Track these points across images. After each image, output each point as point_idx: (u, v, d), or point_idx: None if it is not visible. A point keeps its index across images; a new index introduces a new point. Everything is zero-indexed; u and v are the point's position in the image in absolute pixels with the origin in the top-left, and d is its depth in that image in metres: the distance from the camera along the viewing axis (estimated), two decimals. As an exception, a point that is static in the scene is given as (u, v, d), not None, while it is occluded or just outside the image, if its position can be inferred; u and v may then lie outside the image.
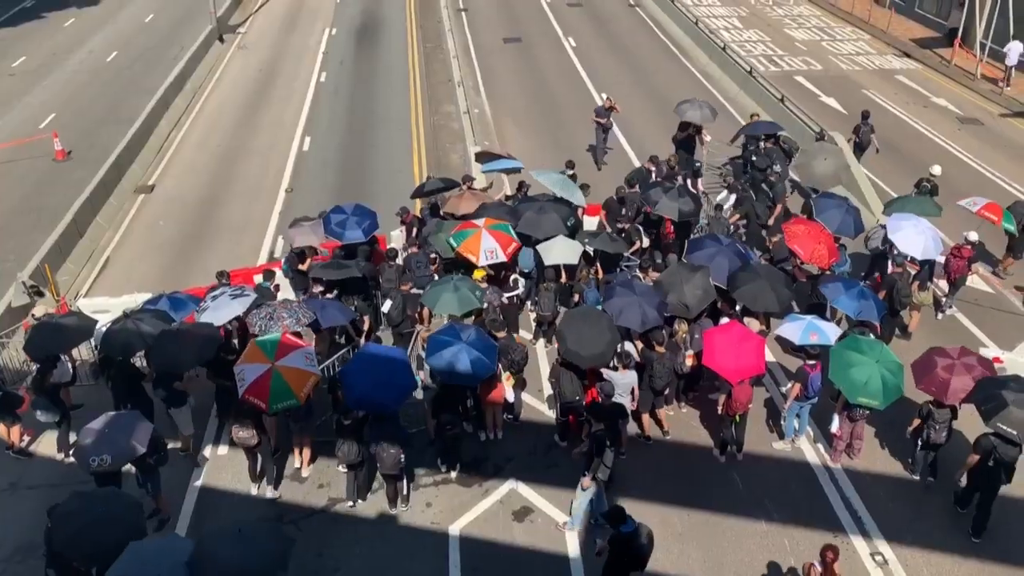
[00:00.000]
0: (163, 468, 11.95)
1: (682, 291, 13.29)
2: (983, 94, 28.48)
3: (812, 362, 12.71)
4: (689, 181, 18.84)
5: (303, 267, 15.59)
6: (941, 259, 16.01)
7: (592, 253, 15.59)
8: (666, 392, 13.41)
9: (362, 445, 11.97)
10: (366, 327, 14.61)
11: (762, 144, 19.69)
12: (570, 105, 27.68)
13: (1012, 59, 28.70)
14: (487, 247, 14.51)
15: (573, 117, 26.68)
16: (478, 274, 14.59)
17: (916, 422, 12.42)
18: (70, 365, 13.71)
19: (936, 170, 19.07)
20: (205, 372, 13.27)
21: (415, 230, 16.88)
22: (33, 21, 39.47)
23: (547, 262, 15.12)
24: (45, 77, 31.94)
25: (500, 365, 13.01)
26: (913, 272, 15.89)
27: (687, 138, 20.72)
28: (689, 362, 13.33)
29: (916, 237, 14.98)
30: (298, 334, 13.04)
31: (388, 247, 16.30)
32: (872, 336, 13.74)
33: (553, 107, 27.24)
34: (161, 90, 27.66)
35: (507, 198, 18.27)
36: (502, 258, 14.71)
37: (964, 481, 11.92)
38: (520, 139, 25.12)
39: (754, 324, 13.60)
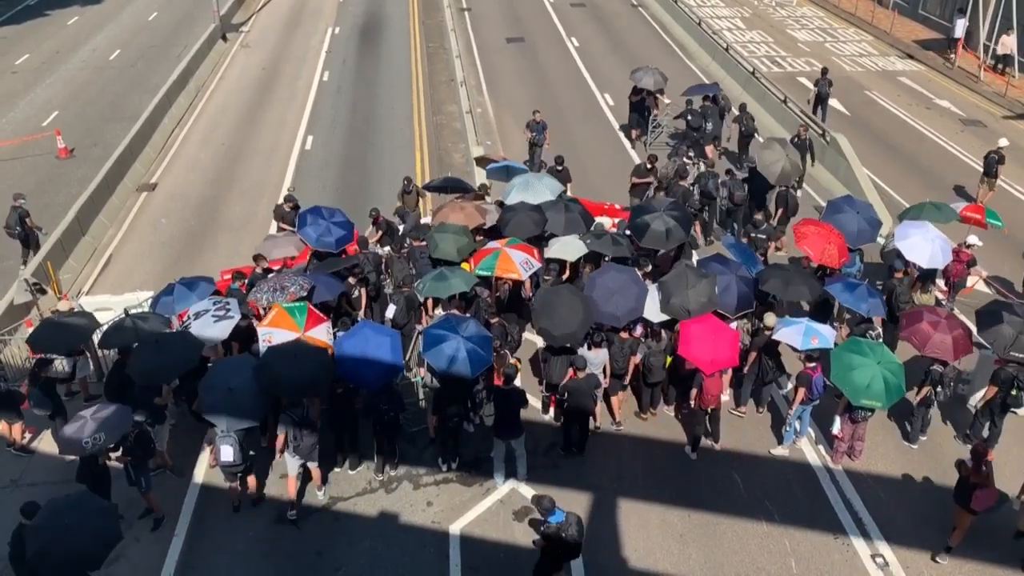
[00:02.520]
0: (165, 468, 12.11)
1: (686, 296, 13.27)
2: (986, 96, 28.46)
3: (813, 364, 12.71)
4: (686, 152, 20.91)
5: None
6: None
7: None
8: (625, 379, 13.49)
9: (351, 413, 12.67)
10: (363, 302, 14.95)
11: (697, 104, 22.41)
12: (573, 105, 27.71)
13: (958, 32, 31.31)
14: (520, 260, 14.46)
15: (575, 117, 26.71)
16: (465, 266, 14.74)
17: (925, 389, 12.82)
18: (64, 363, 13.70)
19: (1003, 142, 20.02)
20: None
21: (381, 232, 17.01)
22: (36, 19, 39.51)
23: (548, 255, 15.17)
24: (48, 75, 31.97)
25: (508, 352, 13.46)
26: (913, 277, 15.85)
27: (640, 101, 23.92)
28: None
29: (924, 245, 14.99)
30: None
31: (397, 238, 16.38)
32: (879, 330, 13.76)
33: (556, 107, 27.21)
34: (164, 88, 27.66)
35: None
36: (536, 265, 14.80)
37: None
38: (522, 139, 25.02)
39: (770, 318, 13.63)
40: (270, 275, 14.59)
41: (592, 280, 13.86)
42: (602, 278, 13.75)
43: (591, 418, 13.37)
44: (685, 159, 20.48)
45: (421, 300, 14.78)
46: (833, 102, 27.60)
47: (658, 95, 23.78)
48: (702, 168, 20.04)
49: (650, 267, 15.41)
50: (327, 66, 32.43)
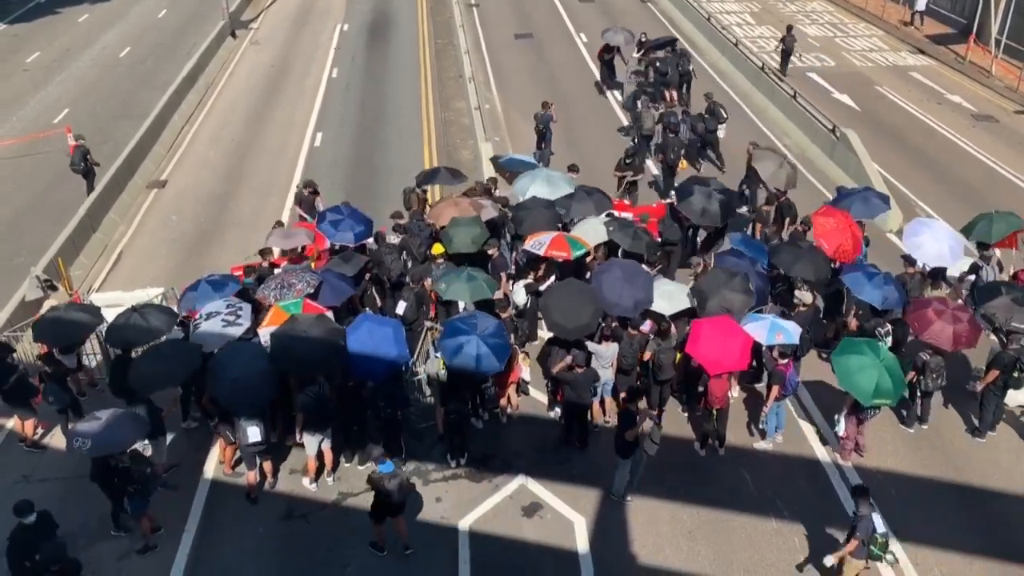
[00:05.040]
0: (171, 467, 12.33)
1: (723, 296, 13.26)
2: (998, 91, 28.27)
3: (784, 361, 12.62)
4: (641, 102, 23.33)
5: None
6: (963, 261, 15.75)
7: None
8: (633, 374, 13.42)
9: (359, 407, 12.71)
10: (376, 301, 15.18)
11: (661, 53, 26.02)
12: (581, 101, 27.66)
13: (920, 5, 33.68)
14: (579, 233, 15.20)
15: (584, 113, 26.67)
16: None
17: (911, 375, 12.80)
18: (63, 359, 13.77)
19: None
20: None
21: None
22: (47, 17, 39.67)
23: (573, 234, 15.21)
24: (59, 72, 32.12)
25: (518, 347, 13.61)
26: (924, 275, 15.75)
27: (610, 59, 27.38)
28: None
29: (931, 244, 15.10)
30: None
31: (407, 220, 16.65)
32: (889, 327, 13.65)
33: (564, 103, 27.07)
34: (174, 86, 27.75)
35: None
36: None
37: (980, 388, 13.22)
38: (531, 135, 24.98)
39: (807, 296, 13.81)
40: (276, 271, 14.64)
41: (598, 276, 13.85)
42: (609, 273, 13.76)
43: (594, 413, 13.38)
44: (642, 105, 23.11)
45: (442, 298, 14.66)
46: (843, 97, 27.62)
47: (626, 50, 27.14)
48: (661, 109, 23.00)
49: (658, 264, 15.41)
50: (336, 63, 32.46)
